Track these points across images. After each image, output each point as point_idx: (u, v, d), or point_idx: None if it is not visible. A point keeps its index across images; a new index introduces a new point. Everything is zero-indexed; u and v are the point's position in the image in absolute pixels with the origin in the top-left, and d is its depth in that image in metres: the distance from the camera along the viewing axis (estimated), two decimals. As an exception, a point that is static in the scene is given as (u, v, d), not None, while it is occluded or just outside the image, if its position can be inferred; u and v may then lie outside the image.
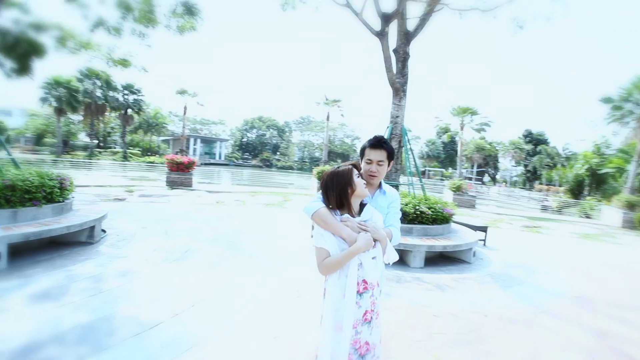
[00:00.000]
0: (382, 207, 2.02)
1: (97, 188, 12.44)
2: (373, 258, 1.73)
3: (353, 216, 1.79)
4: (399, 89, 6.71)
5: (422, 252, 5.30)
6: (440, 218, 6.01)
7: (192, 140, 55.19)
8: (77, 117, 38.43)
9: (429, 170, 40.58)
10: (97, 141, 40.78)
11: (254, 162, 59.91)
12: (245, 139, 68.13)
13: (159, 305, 3.35)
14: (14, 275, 3.83)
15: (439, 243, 5.44)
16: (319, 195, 1.85)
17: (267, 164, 58.45)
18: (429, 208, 5.96)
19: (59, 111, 30.19)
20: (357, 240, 1.68)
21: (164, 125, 49.21)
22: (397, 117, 6.81)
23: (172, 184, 14.95)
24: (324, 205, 1.78)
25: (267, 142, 66.49)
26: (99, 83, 32.17)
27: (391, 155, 2.00)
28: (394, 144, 6.83)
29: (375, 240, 1.75)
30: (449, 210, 6.19)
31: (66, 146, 36.90)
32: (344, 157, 54.83)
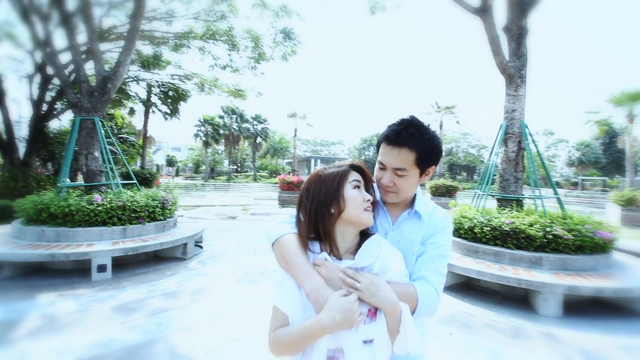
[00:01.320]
0: (410, 242, 1.16)
1: (221, 207, 14.08)
2: (366, 342, 0.93)
3: (339, 256, 1.03)
4: (513, 75, 5.19)
5: (558, 295, 3.68)
6: (589, 245, 4.17)
7: (312, 161, 59.16)
8: (220, 148, 46.35)
9: (584, 180, 31.95)
10: (235, 167, 48.03)
11: (370, 179, 59.67)
12: (363, 157, 69.18)
13: (205, 334, 3.09)
14: (111, 286, 4.26)
15: (589, 283, 3.70)
16: (294, 213, 1.15)
17: (383, 181, 57.34)
18: (570, 230, 4.21)
19: (206, 144, 36.91)
20: (324, 306, 0.91)
21: (288, 149, 54.38)
22: (514, 111, 5.25)
23: (283, 203, 15.84)
24: (295, 230, 1.08)
25: (383, 158, 65.59)
26: (234, 117, 38.06)
27: (425, 158, 1.11)
28: (512, 146, 5.27)
29: (376, 310, 0.95)
30: (606, 234, 4.25)
31: (213, 172, 44.63)
32: (469, 169, 49.10)
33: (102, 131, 5.86)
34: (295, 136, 22.10)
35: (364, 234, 1.10)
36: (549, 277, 3.85)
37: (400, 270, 1.05)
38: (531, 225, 4.31)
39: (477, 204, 5.47)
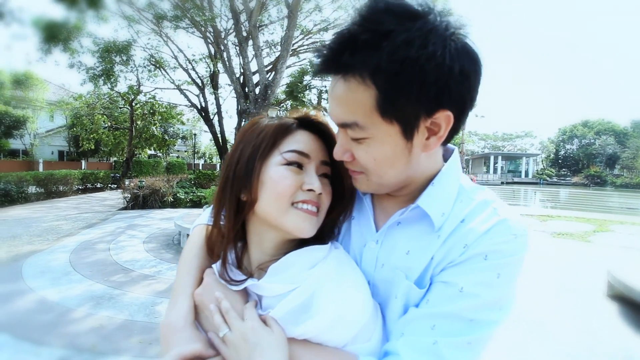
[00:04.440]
0: (400, 272, 0.58)
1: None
2: None
3: (249, 272, 0.63)
4: None
5: None
6: None
7: (492, 158, 51.78)
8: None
9: None
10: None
11: (575, 179, 46.78)
12: (562, 152, 55.02)
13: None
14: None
15: None
16: None
17: (597, 182, 43.62)
18: None
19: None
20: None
21: (462, 145, 49.68)
22: None
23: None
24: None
25: (597, 152, 49.99)
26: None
27: (400, 93, 0.47)
28: None
29: None
30: None
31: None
32: None
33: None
34: (463, 129, 19.69)
35: (307, 242, 0.62)
36: None
37: (344, 324, 0.53)
38: None
39: None
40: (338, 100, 0.52)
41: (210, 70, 14.65)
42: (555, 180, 47.82)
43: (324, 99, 18.79)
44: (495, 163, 51.45)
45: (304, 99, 18.07)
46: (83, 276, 4.21)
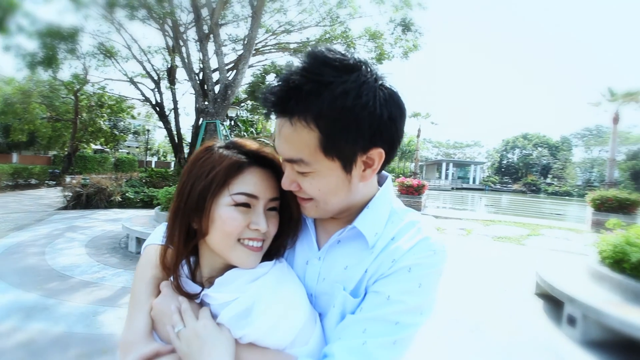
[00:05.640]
0: (338, 285, 0.65)
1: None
2: None
3: (201, 282, 0.68)
4: None
5: None
6: None
7: (444, 165, 54.88)
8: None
9: None
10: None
11: (515, 186, 51.17)
12: (504, 161, 59.94)
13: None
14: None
15: None
16: None
17: (533, 189, 48.08)
18: None
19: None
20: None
21: (416, 151, 52.18)
22: None
23: (400, 207, 15.00)
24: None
25: (534, 163, 55.20)
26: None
27: (339, 136, 0.56)
28: None
29: None
30: None
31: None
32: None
33: (222, 132, 6.65)
34: (418, 137, 20.65)
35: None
36: None
37: (281, 329, 0.59)
38: None
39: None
40: (285, 139, 0.59)
41: (168, 64, 13.97)
42: (499, 187, 51.90)
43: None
44: (446, 169, 54.51)
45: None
46: (9, 284, 3.80)
